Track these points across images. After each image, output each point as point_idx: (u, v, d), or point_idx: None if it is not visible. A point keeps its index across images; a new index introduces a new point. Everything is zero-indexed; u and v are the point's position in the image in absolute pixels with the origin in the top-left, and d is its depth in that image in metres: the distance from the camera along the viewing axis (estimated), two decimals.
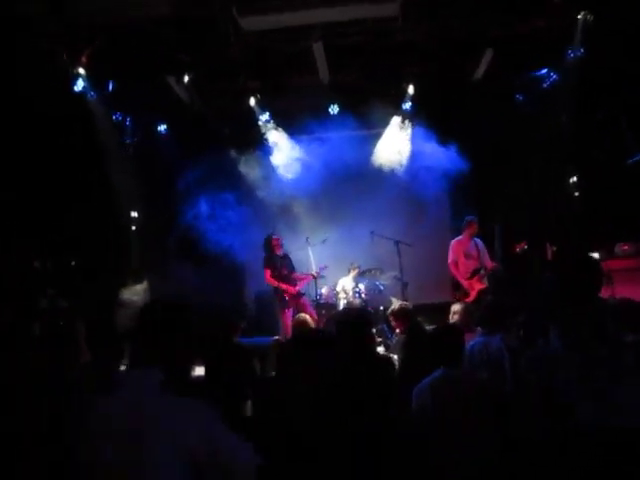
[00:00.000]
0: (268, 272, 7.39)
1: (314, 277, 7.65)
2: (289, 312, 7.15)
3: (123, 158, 7.86)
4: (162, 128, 8.41)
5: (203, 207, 8.16)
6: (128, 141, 8.13)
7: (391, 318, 5.19)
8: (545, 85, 7.99)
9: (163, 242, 7.96)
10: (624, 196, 7.28)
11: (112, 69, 6.97)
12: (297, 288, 7.44)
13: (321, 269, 7.64)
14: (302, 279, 7.67)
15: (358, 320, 3.88)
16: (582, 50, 6.89)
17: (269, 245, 7.45)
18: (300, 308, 7.17)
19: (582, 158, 7.87)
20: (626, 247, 6.96)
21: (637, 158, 7.33)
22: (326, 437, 3.04)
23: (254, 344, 6.22)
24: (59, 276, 6.45)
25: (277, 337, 6.41)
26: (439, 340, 3.53)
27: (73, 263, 6.75)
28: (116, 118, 7.80)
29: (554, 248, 7.71)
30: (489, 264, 7.22)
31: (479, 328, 4.50)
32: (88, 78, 6.72)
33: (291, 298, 7.32)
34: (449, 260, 7.35)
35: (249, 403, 4.74)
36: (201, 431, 1.78)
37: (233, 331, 5.03)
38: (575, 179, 8.31)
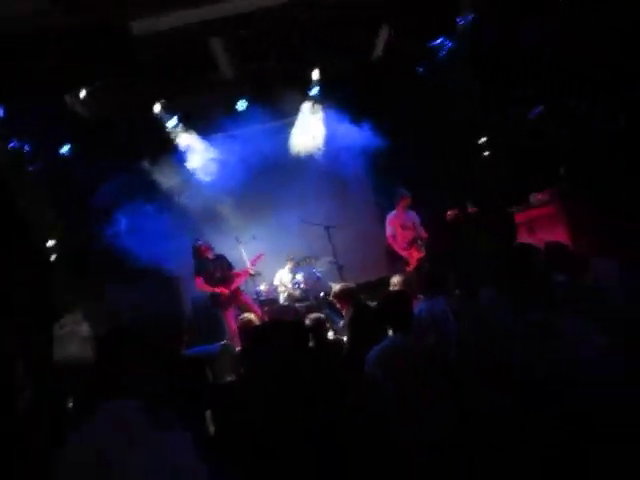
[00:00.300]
0: (199, 280, 7.21)
1: (250, 274, 7.57)
2: (231, 313, 6.99)
3: (29, 187, 7.38)
4: (66, 149, 7.96)
5: (124, 223, 7.83)
6: (31, 168, 7.61)
7: (335, 301, 5.25)
8: (442, 54, 8.23)
9: (88, 265, 7.57)
10: (530, 148, 7.67)
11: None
12: (233, 286, 7.24)
13: (254, 262, 7.48)
14: (239, 275, 7.50)
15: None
16: (471, 16, 7.16)
17: (197, 252, 7.27)
18: (242, 307, 7.03)
19: (488, 119, 8.20)
20: (540, 196, 7.33)
21: (537, 112, 7.72)
22: (281, 434, 3.02)
23: (202, 353, 6.09)
24: None
25: (224, 341, 6.28)
26: (388, 307, 3.56)
27: None
28: (13, 146, 7.28)
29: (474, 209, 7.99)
30: (424, 234, 7.43)
31: (421, 295, 4.62)
32: None
33: (228, 299, 7.13)
34: (387, 233, 7.56)
35: (208, 413, 4.65)
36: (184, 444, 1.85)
37: (178, 343, 4.90)
38: (484, 140, 8.66)
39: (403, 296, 3.71)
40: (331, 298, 5.67)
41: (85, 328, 6.05)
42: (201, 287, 7.24)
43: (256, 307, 7.23)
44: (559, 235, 6.36)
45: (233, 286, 7.23)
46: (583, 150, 6.70)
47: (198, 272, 7.24)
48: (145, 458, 1.79)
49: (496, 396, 2.62)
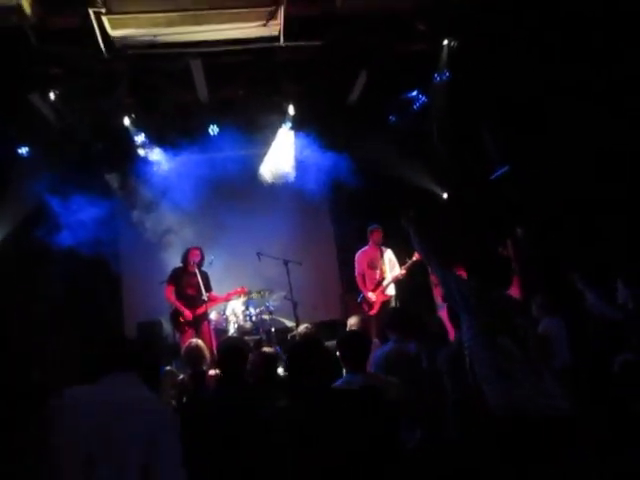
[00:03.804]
0: (168, 289, 6.84)
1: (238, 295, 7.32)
2: (188, 337, 6.43)
3: None
4: (24, 150, 7.65)
5: (75, 234, 7.47)
6: None
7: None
8: (415, 107, 8.47)
9: (35, 273, 7.23)
10: (491, 207, 7.91)
11: None
12: (199, 310, 6.78)
13: (232, 295, 7.26)
14: (213, 300, 7.09)
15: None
16: (447, 73, 7.41)
17: (184, 256, 6.94)
18: (200, 335, 6.57)
19: (453, 174, 8.43)
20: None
21: (499, 173, 8.00)
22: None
23: None
24: None
25: (168, 367, 5.99)
26: (345, 346, 3.50)
27: None
28: None
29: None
30: (394, 274, 7.22)
31: (392, 335, 4.46)
32: None
33: (188, 323, 6.71)
34: (356, 272, 7.34)
35: None
36: None
37: None
38: (445, 195, 8.89)
39: (360, 337, 3.68)
40: (293, 338, 5.63)
41: None
42: (168, 297, 6.86)
43: (213, 339, 6.82)
44: (512, 291, 6.50)
45: (200, 310, 6.78)
46: (541, 213, 6.94)
47: (170, 280, 6.87)
48: None
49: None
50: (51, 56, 6.22)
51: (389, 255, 7.32)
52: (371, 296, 7.14)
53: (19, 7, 5.09)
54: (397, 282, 7.24)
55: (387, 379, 3.51)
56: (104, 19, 5.44)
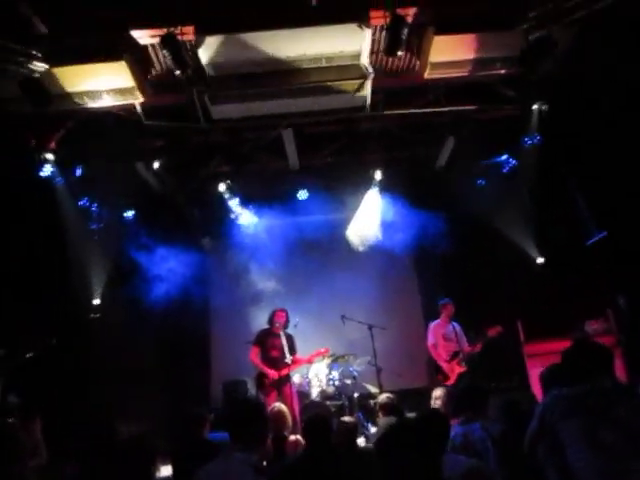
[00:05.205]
0: (253, 350, 6.91)
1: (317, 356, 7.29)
2: (273, 399, 6.46)
3: (88, 244, 7.68)
4: (130, 214, 8.30)
5: (168, 293, 7.89)
6: (94, 227, 7.95)
7: (378, 410, 5.14)
8: (505, 170, 8.31)
9: (130, 329, 7.66)
10: (587, 275, 7.46)
11: (81, 154, 6.96)
12: (284, 372, 6.77)
13: (315, 356, 7.23)
14: (296, 362, 7.01)
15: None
16: (538, 137, 7.27)
17: (270, 320, 7.04)
18: (282, 397, 6.56)
19: (545, 239, 8.09)
20: (596, 325, 7.02)
21: (596, 238, 7.57)
22: None
23: (223, 439, 5.81)
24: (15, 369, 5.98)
25: None
26: (424, 426, 3.36)
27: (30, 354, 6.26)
28: (82, 204, 7.66)
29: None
30: (466, 348, 7.11)
31: (456, 418, 4.27)
32: (56, 164, 6.66)
33: (272, 384, 6.71)
34: (429, 343, 7.22)
35: None
36: None
37: (201, 426, 4.70)
38: (541, 260, 8.50)
39: (440, 416, 3.54)
40: (375, 406, 5.55)
41: None
42: (253, 359, 6.93)
43: (295, 402, 6.73)
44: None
45: (284, 371, 6.79)
46: None
47: (255, 341, 6.97)
48: None
49: None
50: (156, 129, 6.81)
51: (459, 329, 7.26)
52: (447, 367, 7.02)
53: (132, 89, 5.68)
54: (471, 356, 7.13)
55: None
56: (205, 97, 5.93)
